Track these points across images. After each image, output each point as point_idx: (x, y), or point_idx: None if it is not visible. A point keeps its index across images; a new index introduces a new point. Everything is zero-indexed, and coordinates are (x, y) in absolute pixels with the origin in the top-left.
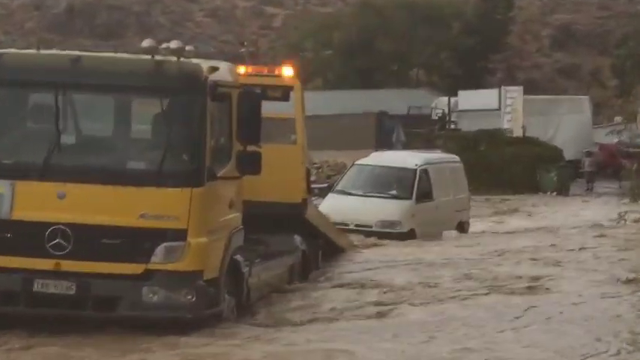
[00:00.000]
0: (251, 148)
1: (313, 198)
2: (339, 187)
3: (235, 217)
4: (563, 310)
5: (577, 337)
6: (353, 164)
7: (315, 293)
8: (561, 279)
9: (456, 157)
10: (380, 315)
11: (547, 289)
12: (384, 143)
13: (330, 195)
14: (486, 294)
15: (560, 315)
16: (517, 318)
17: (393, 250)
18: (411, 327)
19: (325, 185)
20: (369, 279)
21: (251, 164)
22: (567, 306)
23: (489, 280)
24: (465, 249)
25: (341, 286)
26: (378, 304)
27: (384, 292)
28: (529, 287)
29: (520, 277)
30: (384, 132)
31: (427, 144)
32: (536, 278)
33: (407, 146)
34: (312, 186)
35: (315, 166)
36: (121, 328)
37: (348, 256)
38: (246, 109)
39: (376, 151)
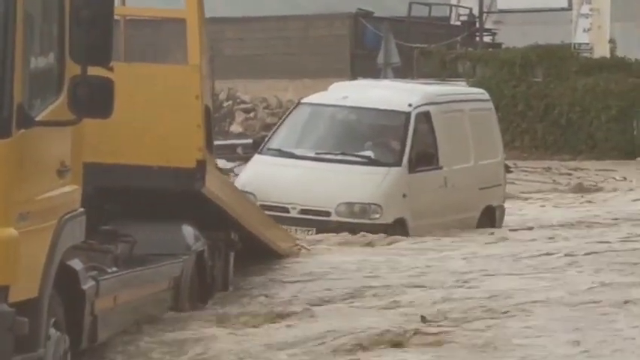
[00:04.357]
0: (96, 72)
1: (231, 164)
2: (272, 145)
3: (70, 192)
4: None
5: None
6: (298, 103)
7: (216, 330)
8: None
9: (483, 94)
10: None
11: None
12: (366, 67)
13: (256, 158)
14: None
15: None
16: None
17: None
18: None
19: (250, 141)
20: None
21: (95, 100)
22: None
23: None
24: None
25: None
26: None
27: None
28: None
29: None
30: (365, 48)
31: (441, 69)
32: None
33: (403, 73)
34: (226, 142)
35: (242, 106)
36: None
37: (284, 266)
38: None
39: (354, 80)
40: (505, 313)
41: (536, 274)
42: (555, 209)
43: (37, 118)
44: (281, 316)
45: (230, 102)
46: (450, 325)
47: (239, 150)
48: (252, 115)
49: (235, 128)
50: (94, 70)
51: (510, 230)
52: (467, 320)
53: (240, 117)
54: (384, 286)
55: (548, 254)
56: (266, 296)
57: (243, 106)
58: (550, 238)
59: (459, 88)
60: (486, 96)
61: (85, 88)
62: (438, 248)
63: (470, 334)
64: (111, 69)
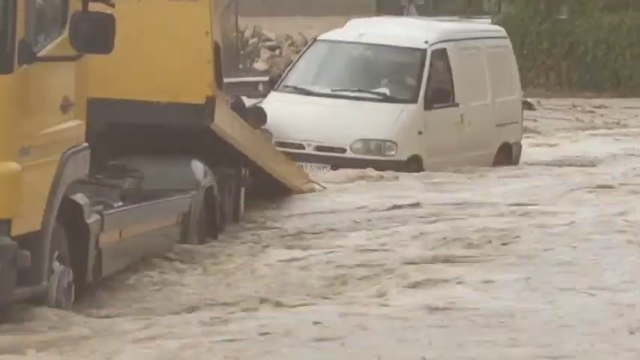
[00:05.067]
0: (97, 7)
1: (253, 100)
2: (288, 82)
3: (73, 127)
4: None
5: None
6: (314, 40)
7: (225, 264)
8: None
9: (500, 31)
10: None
11: None
12: (391, 4)
13: (272, 95)
14: None
15: None
16: None
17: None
18: None
19: (267, 79)
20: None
21: (97, 35)
22: None
23: None
24: None
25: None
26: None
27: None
28: None
29: None
30: None
31: (466, 7)
32: None
33: (427, 10)
34: (249, 79)
35: (267, 43)
36: None
37: (295, 202)
38: None
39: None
40: (553, 236)
41: (592, 204)
42: (591, 144)
43: (40, 54)
44: (288, 247)
45: (255, 39)
46: (491, 248)
47: (260, 87)
48: (277, 52)
49: (260, 66)
50: (96, 7)
51: (549, 165)
52: (505, 248)
53: (265, 54)
54: (397, 218)
55: (606, 186)
56: (274, 228)
57: (268, 43)
58: (596, 171)
59: (476, 26)
60: (504, 33)
61: (86, 24)
62: (477, 182)
63: (510, 252)
64: (112, 5)
